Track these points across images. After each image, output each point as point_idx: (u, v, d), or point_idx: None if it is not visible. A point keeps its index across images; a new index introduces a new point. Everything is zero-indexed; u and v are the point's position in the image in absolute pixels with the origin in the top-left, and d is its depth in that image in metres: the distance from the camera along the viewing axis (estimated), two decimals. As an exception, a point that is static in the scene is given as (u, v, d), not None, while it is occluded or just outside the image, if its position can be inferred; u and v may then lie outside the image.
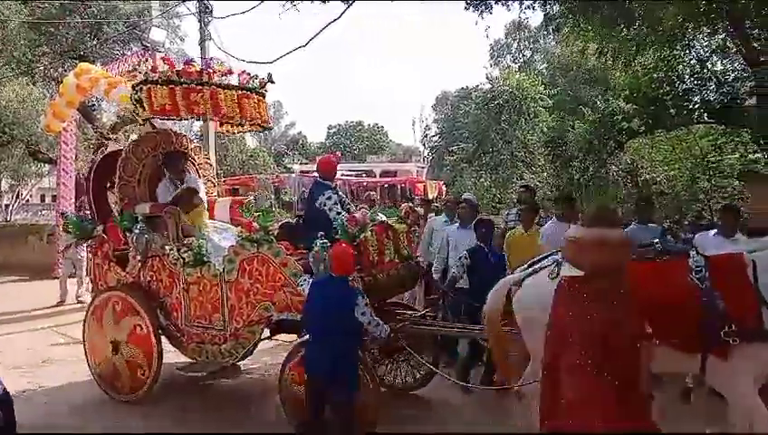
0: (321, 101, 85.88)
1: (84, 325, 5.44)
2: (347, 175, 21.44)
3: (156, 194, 5.51)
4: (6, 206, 25.50)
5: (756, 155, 9.45)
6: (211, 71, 5.00)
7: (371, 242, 4.42)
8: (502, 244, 5.84)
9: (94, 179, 5.87)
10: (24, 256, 13.58)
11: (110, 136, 6.15)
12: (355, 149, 42.30)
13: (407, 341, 4.52)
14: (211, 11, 12.88)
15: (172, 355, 5.37)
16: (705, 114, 9.42)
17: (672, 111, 9.14)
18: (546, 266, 3.61)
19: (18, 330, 8.07)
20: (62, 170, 13.47)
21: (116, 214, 5.48)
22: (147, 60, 4.96)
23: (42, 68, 15.67)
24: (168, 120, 5.51)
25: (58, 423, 4.71)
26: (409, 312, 4.98)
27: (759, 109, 8.28)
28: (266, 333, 4.93)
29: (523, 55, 30.57)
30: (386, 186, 19.98)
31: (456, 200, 7.34)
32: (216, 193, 6.33)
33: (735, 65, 9.52)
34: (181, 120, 5.75)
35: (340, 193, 5.11)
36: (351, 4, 8.73)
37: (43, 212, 27.23)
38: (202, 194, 5.76)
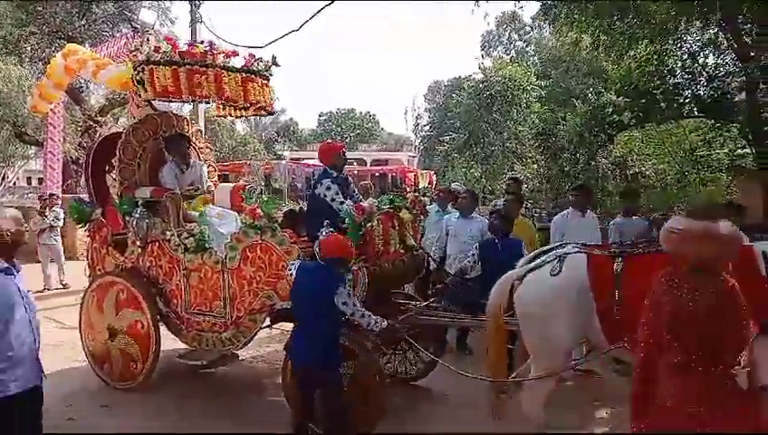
0: (312, 88, 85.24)
1: (82, 303, 5.37)
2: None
3: (159, 178, 5.43)
4: (-7, 188, 25.10)
5: (745, 150, 9.63)
6: (216, 52, 4.91)
7: (377, 232, 4.40)
8: None
9: (93, 162, 5.80)
10: (10, 240, 13.37)
11: (98, 118, 6.05)
12: (346, 137, 42.06)
13: (410, 331, 4.49)
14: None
15: (172, 342, 5.34)
16: (696, 108, 9.54)
17: (662, 104, 9.25)
18: (548, 262, 3.62)
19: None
20: (48, 153, 13.23)
21: (115, 197, 5.42)
22: (148, 40, 4.84)
23: (29, 48, 15.35)
24: (169, 102, 5.41)
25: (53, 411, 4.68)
26: (413, 302, 4.96)
27: (749, 104, 8.43)
28: (267, 321, 4.89)
29: (515, 47, 30.61)
30: (377, 175, 19.95)
31: (448, 190, 7.42)
32: (215, 177, 6.26)
33: (726, 60, 9.61)
34: (184, 102, 5.64)
35: (349, 181, 5.00)
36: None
37: (30, 195, 26.78)
38: (205, 179, 5.72)
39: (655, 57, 9.48)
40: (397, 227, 4.69)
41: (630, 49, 9.32)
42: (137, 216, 5.07)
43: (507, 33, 30.84)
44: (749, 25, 8.33)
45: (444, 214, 6.64)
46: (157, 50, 4.71)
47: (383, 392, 4.08)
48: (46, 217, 9.83)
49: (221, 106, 5.83)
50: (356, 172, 19.29)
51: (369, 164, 24.88)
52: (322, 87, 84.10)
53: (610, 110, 10.10)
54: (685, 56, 9.77)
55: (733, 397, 2.30)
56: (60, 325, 7.24)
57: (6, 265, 2.80)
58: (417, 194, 6.11)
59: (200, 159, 5.98)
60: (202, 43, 5.37)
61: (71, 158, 14.36)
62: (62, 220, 9.95)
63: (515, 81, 20.39)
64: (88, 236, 5.83)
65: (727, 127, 9.65)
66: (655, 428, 2.42)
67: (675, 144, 11.02)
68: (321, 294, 3.74)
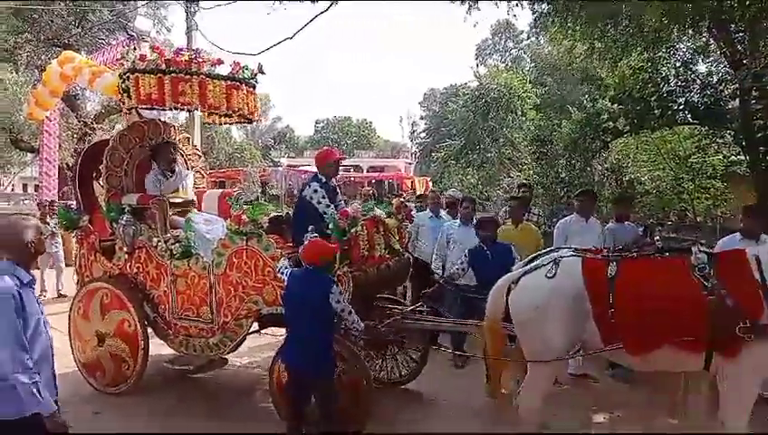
0: (308, 95, 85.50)
1: (70, 314, 5.38)
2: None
3: (144, 185, 5.44)
4: (-12, 195, 25.08)
5: (739, 156, 9.64)
6: (201, 60, 4.93)
7: (362, 237, 4.41)
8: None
9: (80, 169, 5.79)
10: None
11: (94, 126, 6.08)
12: (343, 144, 42.19)
13: (396, 335, 4.52)
14: (197, 0, 12.71)
15: (160, 347, 5.32)
16: (689, 115, 9.55)
17: (657, 111, 9.25)
18: (544, 265, 3.63)
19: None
20: (44, 159, 13.25)
21: (102, 204, 5.42)
22: (135, 48, 4.88)
23: (25, 55, 15.39)
24: (152, 109, 5.43)
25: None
26: (399, 307, 4.97)
27: (742, 111, 8.44)
28: (255, 326, 4.91)
29: (510, 54, 30.77)
30: (373, 181, 19.99)
31: (438, 196, 7.42)
32: (203, 184, 6.28)
33: (719, 68, 9.65)
34: (166, 110, 5.67)
35: (337, 192, 5.00)
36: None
37: (26, 202, 26.77)
38: (190, 187, 5.73)
39: (649, 65, 9.51)
40: (382, 232, 4.70)
41: (624, 57, 9.36)
42: (123, 222, 5.07)
43: (503, 42, 31.00)
44: (741, 33, 8.36)
45: (438, 220, 6.63)
46: (142, 58, 4.76)
47: (371, 396, 4.10)
48: (48, 224, 9.79)
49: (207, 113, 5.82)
50: (352, 179, 19.34)
51: (365, 170, 24.92)
52: (320, 90, 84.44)
53: (605, 117, 10.10)
54: (678, 64, 9.80)
55: None
56: (54, 330, 7.17)
57: (30, 277, 2.75)
58: (402, 199, 6.07)
59: (187, 166, 6.00)
60: (195, 50, 5.39)
61: (66, 164, 14.37)
62: None
63: (511, 88, 20.48)
64: (76, 242, 5.82)
65: (721, 134, 9.66)
66: None
67: (669, 151, 11.02)
68: (315, 300, 3.76)
